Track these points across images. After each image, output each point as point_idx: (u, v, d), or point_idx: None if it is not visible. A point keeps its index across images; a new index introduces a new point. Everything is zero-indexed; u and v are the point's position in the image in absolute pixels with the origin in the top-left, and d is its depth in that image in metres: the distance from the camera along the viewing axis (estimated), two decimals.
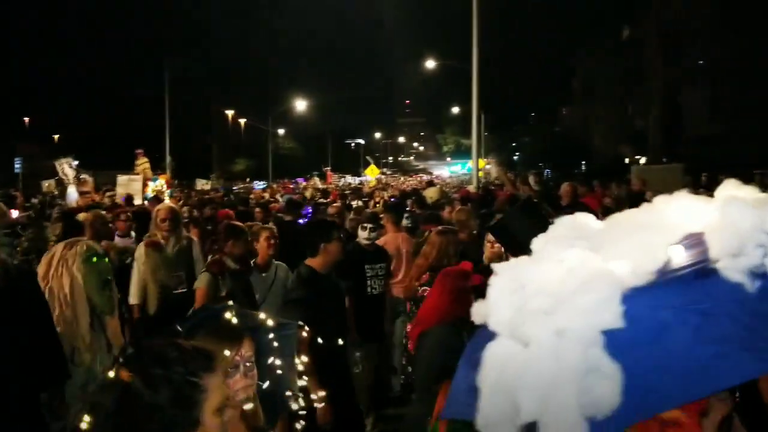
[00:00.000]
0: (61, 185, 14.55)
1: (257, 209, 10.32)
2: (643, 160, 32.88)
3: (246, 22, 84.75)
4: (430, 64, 30.68)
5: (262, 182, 37.55)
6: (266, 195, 18.34)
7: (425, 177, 52.70)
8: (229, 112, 52.45)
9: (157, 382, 1.32)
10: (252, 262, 5.10)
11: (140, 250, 5.61)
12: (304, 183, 29.01)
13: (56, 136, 45.42)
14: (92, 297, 4.37)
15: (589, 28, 35.82)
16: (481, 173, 20.09)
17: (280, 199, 15.59)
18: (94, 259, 4.45)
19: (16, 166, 26.00)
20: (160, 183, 16.23)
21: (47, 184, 16.90)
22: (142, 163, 16.46)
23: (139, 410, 1.30)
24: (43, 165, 28.88)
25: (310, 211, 9.97)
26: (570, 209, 6.26)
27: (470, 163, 29.11)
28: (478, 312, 1.15)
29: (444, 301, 3.10)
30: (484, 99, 16.28)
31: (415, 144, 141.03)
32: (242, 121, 55.50)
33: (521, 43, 39.50)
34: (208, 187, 21.69)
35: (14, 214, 8.69)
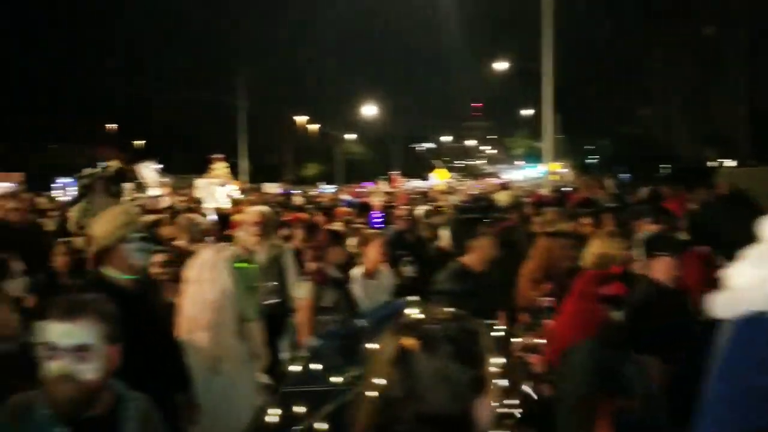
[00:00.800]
0: (142, 189, 15.01)
1: (319, 213, 10.43)
2: (728, 163, 31.30)
3: (316, 29, 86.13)
4: (501, 65, 30.24)
5: (329, 186, 38.01)
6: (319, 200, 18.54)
7: (495, 180, 51.86)
8: (302, 119, 53.46)
9: (442, 344, 1.37)
10: (356, 268, 5.07)
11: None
12: (372, 187, 29.12)
13: (139, 143, 47.36)
14: (239, 304, 4.25)
15: (668, 23, 34.30)
16: (555, 176, 19.60)
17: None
18: (242, 264, 4.37)
19: None
20: (231, 188, 16.39)
21: (127, 188, 17.60)
22: (221, 168, 16.66)
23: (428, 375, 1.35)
24: (127, 170, 30.13)
25: (381, 215, 9.98)
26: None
27: (543, 167, 28.52)
28: (725, 305, 1.07)
29: (586, 314, 2.96)
30: (556, 100, 15.86)
31: (485, 147, 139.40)
32: (314, 126, 56.45)
33: (595, 40, 38.15)
34: (275, 191, 21.99)
35: None
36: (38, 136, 36.52)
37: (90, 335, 2.02)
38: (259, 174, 34.56)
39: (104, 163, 8.32)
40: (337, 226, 8.93)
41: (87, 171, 7.18)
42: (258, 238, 5.23)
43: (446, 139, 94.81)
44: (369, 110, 48.83)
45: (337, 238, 5.00)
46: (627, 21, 37.79)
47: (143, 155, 21.69)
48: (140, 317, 3.05)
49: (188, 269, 4.34)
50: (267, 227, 5.33)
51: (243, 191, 18.22)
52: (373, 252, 5.06)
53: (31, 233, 6.44)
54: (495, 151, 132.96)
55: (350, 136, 60.42)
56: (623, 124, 41.63)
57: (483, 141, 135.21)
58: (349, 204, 15.50)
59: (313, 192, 28.05)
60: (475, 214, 6.02)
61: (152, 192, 14.20)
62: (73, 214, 6.59)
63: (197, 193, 14.54)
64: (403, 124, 70.28)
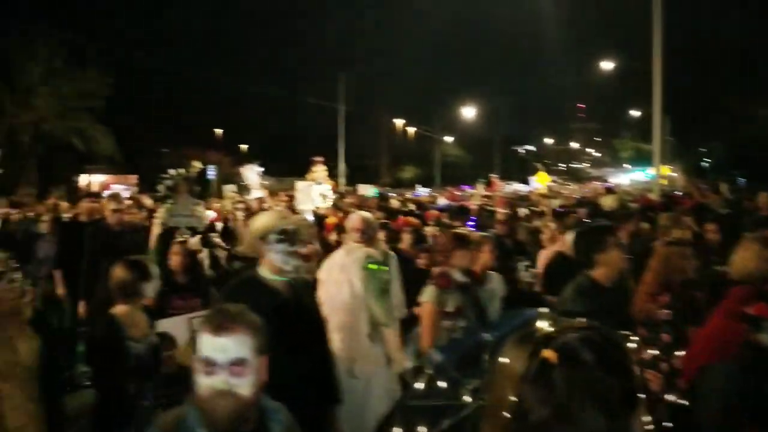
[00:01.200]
0: (246, 191, 15.52)
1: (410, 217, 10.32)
2: None
3: (415, 31, 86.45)
4: (607, 64, 29.06)
5: (424, 189, 37.89)
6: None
7: (600, 185, 49.85)
8: (399, 121, 53.80)
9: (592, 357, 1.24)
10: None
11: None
12: (470, 190, 28.72)
13: (244, 146, 49.32)
14: (371, 306, 4.13)
15: None
16: (664, 181, 18.52)
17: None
18: (374, 266, 4.25)
19: (210, 174, 28.55)
20: (325, 188, 16.32)
21: (229, 190, 18.32)
22: (320, 171, 16.87)
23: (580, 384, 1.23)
24: (232, 172, 31.50)
25: (474, 219, 9.81)
26: None
27: (651, 170, 27.07)
28: None
29: (726, 333, 2.71)
30: (667, 100, 14.95)
31: (590, 150, 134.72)
32: (411, 129, 56.64)
33: (709, 37, 35.77)
34: (370, 193, 22.00)
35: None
36: (152, 141, 38.76)
37: (245, 349, 1.95)
38: (356, 176, 34.99)
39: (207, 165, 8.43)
40: (430, 229, 8.86)
41: (171, 172, 7.20)
42: (360, 244, 4.88)
43: (548, 141, 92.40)
44: (468, 112, 48.34)
45: (463, 241, 4.60)
46: (743, 15, 35.24)
47: (247, 158, 22.48)
48: (293, 321, 3.01)
49: (320, 270, 4.30)
50: (369, 233, 4.99)
51: (338, 193, 18.44)
52: (484, 256, 4.82)
53: (126, 233, 6.66)
54: (600, 154, 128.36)
55: (448, 139, 60.14)
56: (740, 125, 38.80)
57: (588, 143, 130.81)
58: (445, 207, 15.33)
59: (408, 195, 28.05)
60: (602, 223, 5.49)
61: (254, 194, 14.68)
62: (159, 214, 6.75)
63: (297, 196, 14.67)
64: (503, 125, 69.15)
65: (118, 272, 3.73)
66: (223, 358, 1.91)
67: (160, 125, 41.01)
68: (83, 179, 30.52)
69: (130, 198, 15.43)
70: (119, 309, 3.69)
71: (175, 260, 5.58)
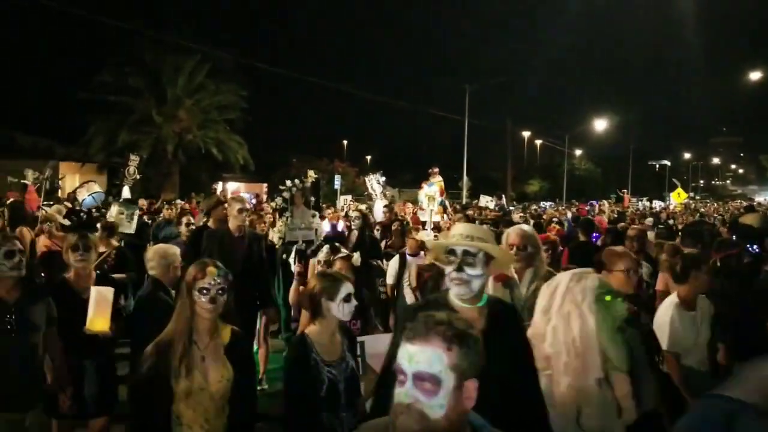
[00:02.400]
0: (370, 200, 15.70)
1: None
2: None
3: (543, 42, 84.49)
4: (754, 74, 26.80)
5: (548, 203, 36.66)
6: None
7: (743, 203, 46.10)
8: (526, 133, 52.70)
9: None
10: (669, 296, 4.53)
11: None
12: (596, 205, 27.41)
13: (368, 157, 50.34)
14: (604, 347, 3.47)
15: None
16: None
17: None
18: (608, 297, 3.56)
19: (336, 183, 29.25)
20: (434, 190, 16.16)
21: (343, 200, 18.77)
22: (437, 182, 16.76)
23: None
24: (356, 182, 32.16)
25: (596, 236, 9.28)
26: None
27: None
28: None
29: None
30: None
31: (733, 166, 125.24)
32: (538, 142, 55.30)
33: None
34: (491, 205, 21.45)
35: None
36: (282, 151, 40.54)
37: (437, 364, 1.68)
38: (480, 189, 34.57)
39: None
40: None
41: (288, 183, 7.06)
42: (519, 263, 4.18)
43: (686, 155, 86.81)
44: (599, 124, 46.34)
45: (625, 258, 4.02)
46: None
47: (371, 169, 22.82)
48: (491, 346, 2.36)
49: (540, 296, 3.68)
50: (530, 251, 4.22)
51: (460, 205, 18.17)
52: (701, 278, 4.33)
53: (243, 241, 6.26)
54: (743, 171, 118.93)
55: (577, 152, 58.10)
56: None
57: (731, 159, 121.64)
58: (572, 221, 14.69)
59: (534, 208, 27.22)
60: None
61: (377, 204, 14.79)
62: (278, 228, 6.63)
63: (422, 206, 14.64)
64: (636, 139, 65.72)
65: (312, 283, 3.43)
66: (410, 367, 1.68)
67: (290, 136, 42.84)
68: (219, 187, 32.40)
69: (256, 206, 16.05)
70: (310, 328, 3.37)
71: (299, 267, 5.50)
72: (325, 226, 8.59)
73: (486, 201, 21.95)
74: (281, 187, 6.95)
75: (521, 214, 18.17)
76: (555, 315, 3.49)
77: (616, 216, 19.24)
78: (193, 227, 8.21)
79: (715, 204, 49.24)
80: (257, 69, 33.39)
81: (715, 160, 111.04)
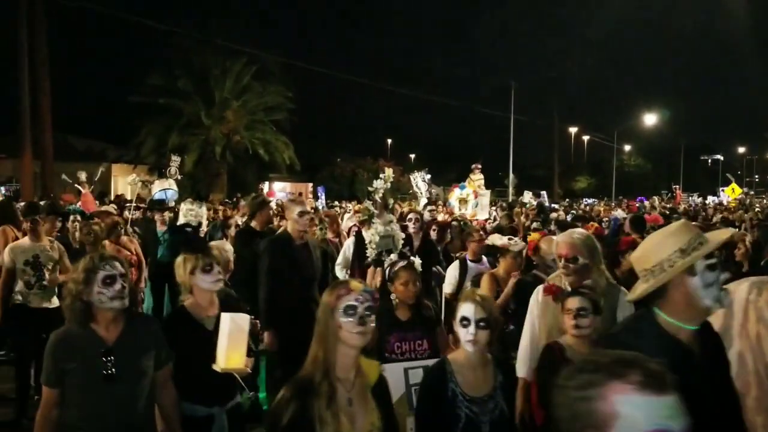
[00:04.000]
0: (415, 198, 15.54)
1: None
2: None
3: (590, 36, 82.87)
4: None
5: (592, 200, 35.93)
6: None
7: None
8: (573, 129, 51.74)
9: None
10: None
11: (535, 297, 3.75)
12: (646, 202, 26.70)
13: (412, 155, 50.24)
14: None
15: None
16: None
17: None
18: None
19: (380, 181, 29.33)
20: (466, 193, 15.58)
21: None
22: (478, 179, 16.45)
23: None
24: (401, 181, 32.17)
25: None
26: None
27: None
28: None
29: None
30: None
31: None
32: (586, 137, 54.26)
33: None
34: (534, 202, 21.01)
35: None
36: (327, 150, 40.82)
37: None
38: (525, 186, 34.18)
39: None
40: None
41: (376, 184, 6.09)
42: (571, 278, 3.53)
43: (740, 150, 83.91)
44: (649, 119, 45.13)
45: None
46: None
47: (415, 167, 22.72)
48: (698, 386, 1.88)
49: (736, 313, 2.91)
50: (584, 261, 3.52)
51: (507, 204, 17.83)
52: None
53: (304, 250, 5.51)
54: None
55: (626, 147, 56.79)
56: None
57: None
58: (617, 219, 14.32)
59: (583, 206, 26.71)
60: None
61: (422, 202, 14.67)
62: (371, 234, 5.56)
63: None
64: (688, 133, 63.91)
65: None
66: (680, 426, 1.25)
67: (335, 135, 43.13)
68: (266, 187, 32.81)
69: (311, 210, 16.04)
70: (455, 354, 2.92)
71: (400, 289, 4.10)
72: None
73: (529, 197, 21.56)
74: (369, 188, 6.03)
75: (559, 213, 17.70)
76: (737, 337, 2.79)
77: (667, 213, 18.73)
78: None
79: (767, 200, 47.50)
80: (303, 69, 33.67)
81: None
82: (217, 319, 3.23)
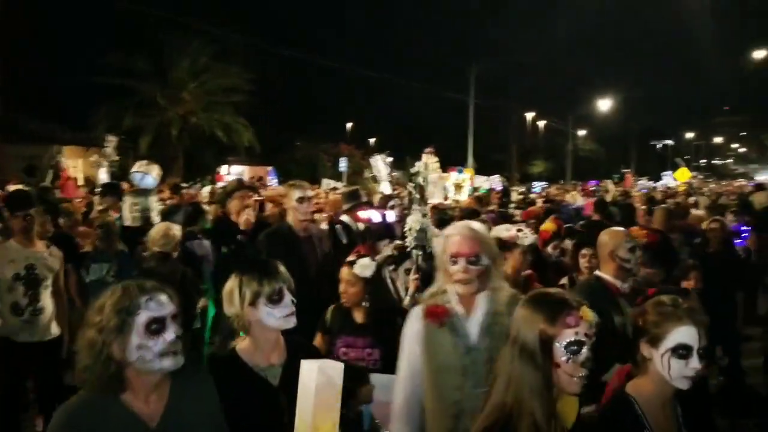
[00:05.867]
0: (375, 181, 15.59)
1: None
2: None
3: (546, 22, 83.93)
4: (758, 53, 26.69)
5: (542, 183, 36.66)
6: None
7: (746, 182, 46.08)
8: (529, 114, 52.56)
9: None
10: None
11: (414, 323, 3.14)
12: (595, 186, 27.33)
13: (372, 139, 50.21)
14: None
15: None
16: None
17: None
18: None
19: (341, 165, 29.28)
20: (462, 178, 15.46)
21: (325, 183, 18.67)
22: (433, 162, 16.41)
23: None
24: (362, 164, 32.17)
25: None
26: None
27: None
28: None
29: None
30: None
31: (734, 145, 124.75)
32: (541, 123, 55.17)
33: None
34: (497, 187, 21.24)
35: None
36: (287, 133, 40.49)
37: None
38: (484, 171, 34.62)
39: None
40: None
41: (417, 167, 5.50)
42: (467, 287, 2.76)
43: (689, 135, 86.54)
44: (603, 104, 46.17)
45: None
46: None
47: (376, 151, 22.82)
48: None
49: None
50: (492, 258, 2.83)
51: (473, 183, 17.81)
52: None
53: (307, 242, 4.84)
54: (745, 150, 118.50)
55: (581, 132, 57.95)
56: None
57: (733, 138, 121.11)
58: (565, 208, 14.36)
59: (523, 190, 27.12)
60: None
61: (384, 186, 14.72)
62: (412, 222, 4.71)
63: (429, 189, 14.24)
64: (640, 119, 65.49)
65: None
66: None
67: (296, 118, 42.80)
68: (223, 170, 32.43)
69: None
70: (636, 385, 2.38)
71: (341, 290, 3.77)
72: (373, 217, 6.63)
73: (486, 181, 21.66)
74: (411, 171, 5.32)
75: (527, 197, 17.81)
76: None
77: (620, 196, 19.24)
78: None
79: (713, 185, 49.31)
80: (264, 51, 33.15)
81: (718, 140, 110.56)
82: (285, 369, 2.41)
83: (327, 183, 18.66)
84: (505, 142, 51.09)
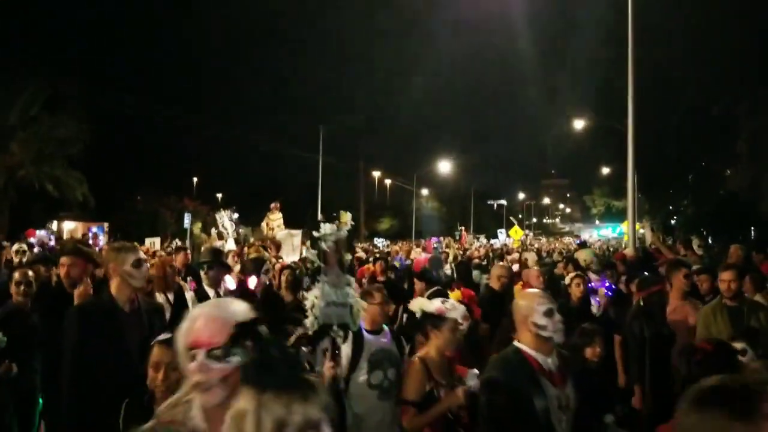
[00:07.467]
0: (221, 238, 15.26)
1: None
2: None
3: (391, 85, 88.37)
4: (579, 123, 29.87)
5: (382, 239, 38.06)
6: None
7: (571, 240, 50.96)
8: (376, 173, 54.45)
9: None
10: None
11: None
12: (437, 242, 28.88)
13: (219, 195, 49.24)
14: None
15: (756, 79, 33.10)
16: (626, 237, 18.79)
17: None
18: None
19: (186, 221, 28.33)
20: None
21: (149, 242, 18.15)
22: (277, 218, 16.49)
23: None
24: (208, 220, 31.34)
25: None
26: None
27: (622, 227, 27.50)
28: None
29: None
30: (637, 159, 15.29)
31: (561, 205, 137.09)
32: (388, 181, 57.32)
33: (678, 97, 37.22)
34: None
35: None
36: (125, 188, 38.58)
37: None
38: None
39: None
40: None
41: (324, 229, 3.70)
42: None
43: (521, 196, 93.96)
44: (443, 166, 49.09)
45: None
46: (712, 76, 36.69)
47: (223, 206, 22.41)
48: None
49: None
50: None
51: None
52: None
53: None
54: (570, 210, 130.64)
55: (424, 191, 60.82)
56: (708, 185, 39.98)
57: (560, 199, 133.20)
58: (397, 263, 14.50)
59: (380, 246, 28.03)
60: None
61: (229, 242, 14.46)
62: (311, 300, 3.68)
63: (283, 247, 13.94)
64: (478, 180, 70.25)
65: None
66: None
67: (137, 172, 40.92)
68: (54, 226, 30.06)
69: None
70: None
71: None
72: (229, 284, 6.16)
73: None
74: (315, 234, 3.87)
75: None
76: None
77: (462, 253, 20.40)
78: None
79: (546, 240, 53.81)
80: (102, 100, 31.56)
81: (546, 200, 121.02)
82: None
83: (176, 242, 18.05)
84: (353, 199, 52.30)
